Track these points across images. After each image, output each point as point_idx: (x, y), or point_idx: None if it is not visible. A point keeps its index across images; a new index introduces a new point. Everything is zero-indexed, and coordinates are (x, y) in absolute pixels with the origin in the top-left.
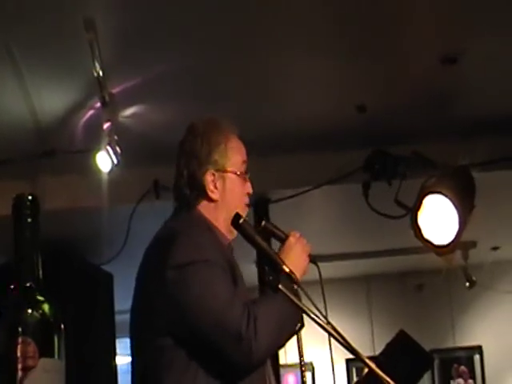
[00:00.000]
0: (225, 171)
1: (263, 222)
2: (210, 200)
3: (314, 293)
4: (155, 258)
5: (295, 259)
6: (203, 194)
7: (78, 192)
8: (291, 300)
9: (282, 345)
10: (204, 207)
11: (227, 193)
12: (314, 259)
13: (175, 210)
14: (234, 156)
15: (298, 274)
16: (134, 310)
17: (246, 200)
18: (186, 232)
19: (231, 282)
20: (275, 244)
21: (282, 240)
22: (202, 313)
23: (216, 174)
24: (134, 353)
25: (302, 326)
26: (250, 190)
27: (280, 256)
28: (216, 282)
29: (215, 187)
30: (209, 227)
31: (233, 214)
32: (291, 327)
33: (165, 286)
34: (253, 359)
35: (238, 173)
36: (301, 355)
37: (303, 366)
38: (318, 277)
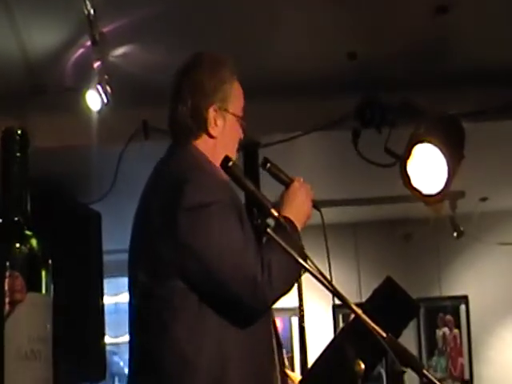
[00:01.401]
0: (226, 111)
1: (268, 164)
2: (210, 136)
3: (311, 238)
4: (163, 199)
5: (299, 204)
6: (204, 128)
7: (67, 130)
8: (280, 244)
9: (291, 289)
10: (202, 143)
11: (226, 132)
12: (316, 205)
13: (172, 146)
14: (236, 99)
15: (301, 219)
16: (136, 251)
17: (237, 145)
18: (194, 173)
19: (241, 222)
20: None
21: (286, 184)
22: (218, 259)
23: (218, 112)
24: (137, 295)
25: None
26: (242, 136)
27: (284, 200)
28: (230, 227)
29: (215, 124)
30: (211, 166)
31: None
32: (299, 271)
33: (176, 229)
34: (266, 305)
35: (239, 116)
36: (300, 299)
37: (302, 312)
38: (313, 222)
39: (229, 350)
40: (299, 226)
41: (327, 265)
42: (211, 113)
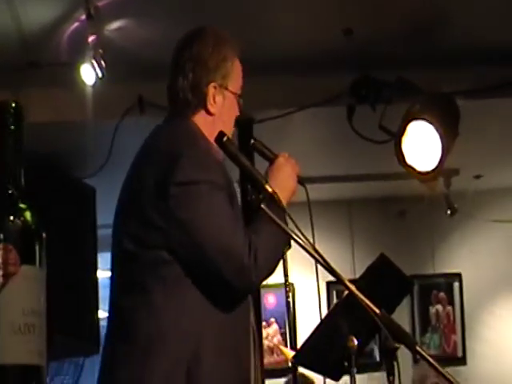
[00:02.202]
0: (226, 88)
1: (252, 141)
2: (208, 113)
3: (299, 214)
4: (154, 173)
5: (284, 179)
6: (202, 104)
7: (61, 105)
8: (273, 220)
9: (274, 271)
10: (200, 119)
11: (224, 110)
12: (301, 180)
13: (169, 116)
14: (236, 77)
15: (286, 195)
16: (123, 216)
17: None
18: (190, 148)
19: (231, 204)
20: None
21: (271, 160)
22: (207, 236)
23: (218, 89)
24: (120, 259)
25: (289, 246)
26: (238, 114)
27: (269, 176)
28: (219, 207)
29: (214, 101)
30: (207, 143)
31: (227, 133)
32: (283, 251)
33: (167, 201)
34: (250, 287)
35: (238, 94)
36: (286, 275)
37: (288, 287)
38: (302, 198)
39: (206, 327)
40: (284, 202)
41: (312, 239)
42: (211, 89)
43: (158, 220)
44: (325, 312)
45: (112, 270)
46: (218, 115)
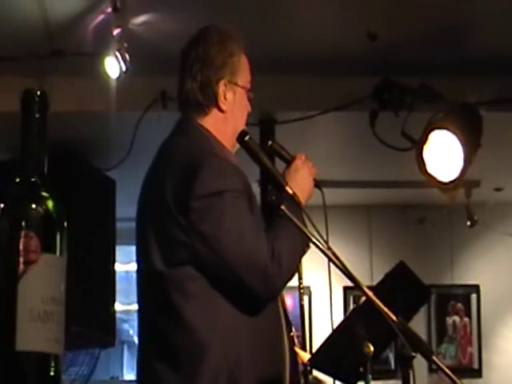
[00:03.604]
0: (236, 84)
1: (270, 142)
2: (220, 110)
3: (316, 218)
4: (177, 184)
5: (300, 182)
6: (214, 102)
7: (85, 95)
8: (293, 222)
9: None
10: (212, 118)
11: (236, 106)
12: (318, 184)
13: (181, 121)
14: (244, 71)
15: (302, 197)
16: (144, 240)
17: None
18: (208, 159)
19: (251, 208)
20: (281, 166)
21: (288, 161)
22: (231, 249)
23: (227, 86)
24: (146, 271)
25: (309, 247)
26: (250, 109)
27: (285, 177)
28: (242, 216)
29: (225, 98)
30: (221, 148)
31: (238, 129)
32: (303, 253)
33: (189, 215)
34: (276, 293)
35: (247, 88)
36: (300, 277)
37: (301, 289)
38: (319, 202)
39: (242, 333)
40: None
41: (325, 241)
42: (221, 87)
43: (181, 235)
44: (338, 316)
45: (138, 277)
46: (229, 112)
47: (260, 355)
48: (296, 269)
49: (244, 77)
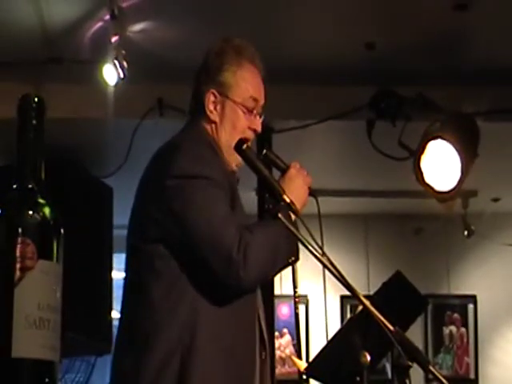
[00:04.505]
0: (226, 97)
1: (264, 151)
2: (210, 120)
3: (311, 227)
4: (156, 169)
5: (295, 190)
6: (203, 111)
7: (82, 102)
8: (290, 230)
9: (274, 275)
10: (207, 125)
11: (225, 120)
12: (313, 192)
13: (186, 123)
14: (241, 85)
15: (297, 206)
16: (131, 219)
17: (250, 135)
18: (188, 144)
19: (229, 204)
20: (276, 174)
21: (283, 170)
22: (197, 224)
23: (218, 97)
24: (127, 261)
25: (297, 259)
26: (258, 128)
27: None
28: (215, 202)
29: (215, 109)
30: (211, 144)
31: (230, 142)
32: (285, 258)
33: (162, 193)
34: (241, 284)
35: (239, 102)
36: (295, 286)
37: (297, 298)
38: (316, 210)
39: (201, 319)
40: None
41: (322, 249)
42: (209, 97)
43: (156, 213)
44: (335, 325)
45: (125, 271)
46: (219, 123)
47: (217, 353)
48: (269, 271)
49: (241, 92)
